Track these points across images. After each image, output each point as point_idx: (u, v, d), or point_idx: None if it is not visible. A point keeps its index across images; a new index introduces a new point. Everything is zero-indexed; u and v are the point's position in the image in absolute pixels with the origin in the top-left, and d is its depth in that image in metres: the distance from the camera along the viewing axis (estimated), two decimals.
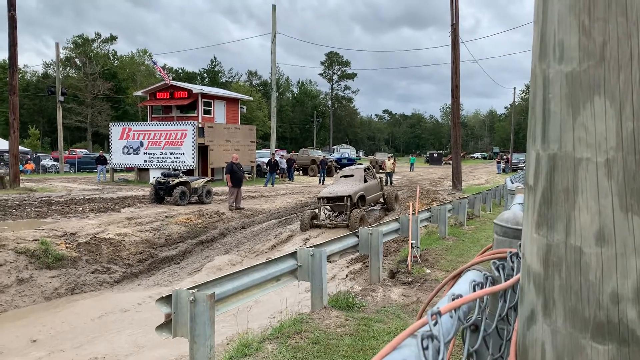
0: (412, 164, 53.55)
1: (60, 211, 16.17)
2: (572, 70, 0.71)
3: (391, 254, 11.33)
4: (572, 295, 0.72)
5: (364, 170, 17.14)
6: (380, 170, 35.40)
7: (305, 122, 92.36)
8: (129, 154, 29.59)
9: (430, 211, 11.59)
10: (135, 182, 29.13)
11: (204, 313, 4.28)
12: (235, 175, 17.34)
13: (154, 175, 23.33)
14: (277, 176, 30.03)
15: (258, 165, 33.80)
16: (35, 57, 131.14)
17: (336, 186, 16.13)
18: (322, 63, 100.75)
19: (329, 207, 15.98)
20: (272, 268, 5.63)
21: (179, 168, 26.33)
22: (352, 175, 16.76)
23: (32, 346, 7.85)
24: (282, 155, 38.21)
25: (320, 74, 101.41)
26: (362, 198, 15.83)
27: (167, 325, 4.49)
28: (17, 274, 10.52)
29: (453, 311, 0.70)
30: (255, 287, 5.20)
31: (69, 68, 68.56)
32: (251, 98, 45.52)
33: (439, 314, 0.63)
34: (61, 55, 51.77)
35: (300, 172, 38.93)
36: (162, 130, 28.84)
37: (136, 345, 7.50)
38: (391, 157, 35.18)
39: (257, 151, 35.46)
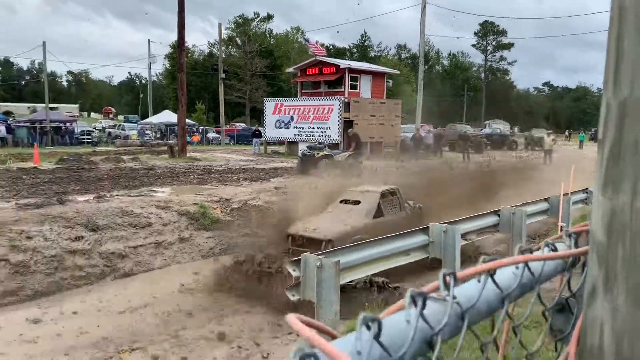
0: (581, 141, 49.76)
1: (218, 179, 17.64)
2: None
3: (541, 236, 10.60)
4: (637, 270, 0.59)
5: (383, 195, 9.99)
6: (537, 148, 32.96)
7: (456, 96, 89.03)
8: (281, 127, 31.15)
9: (587, 192, 10.56)
10: (285, 155, 30.66)
11: (330, 279, 4.41)
12: None
13: (301, 148, 24.35)
14: (421, 151, 29.51)
15: (402, 141, 33.47)
16: (202, 37, 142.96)
17: (322, 219, 9.63)
18: (475, 34, 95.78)
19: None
20: (401, 242, 5.58)
21: (325, 142, 27.11)
22: (357, 202, 10.03)
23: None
24: (429, 131, 37.35)
25: (473, 45, 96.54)
26: None
27: (296, 287, 4.71)
28: (179, 233, 11.77)
29: (483, 276, 0.62)
30: (383, 259, 5.21)
31: (230, 47, 73.77)
32: (398, 72, 44.97)
33: (453, 275, 0.56)
34: (224, 35, 55.97)
35: (447, 148, 37.78)
36: (311, 105, 29.83)
37: None
38: (550, 133, 32.56)
39: (402, 126, 35.09)
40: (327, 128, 28.98)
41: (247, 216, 13.37)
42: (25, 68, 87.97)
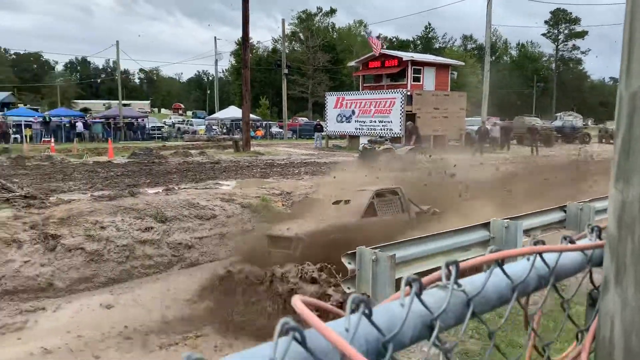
0: None
1: (280, 172, 17.96)
2: None
3: None
4: None
5: (379, 195, 9.30)
6: (612, 142, 31.16)
7: (524, 87, 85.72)
8: (342, 122, 31.21)
9: None
10: (346, 149, 30.72)
11: (385, 273, 4.42)
12: None
13: (362, 142, 24.32)
14: (487, 145, 28.69)
15: (467, 134, 32.66)
16: (267, 33, 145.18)
17: (305, 219, 9.38)
18: (546, 22, 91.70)
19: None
20: (461, 237, 5.50)
21: (387, 135, 26.92)
22: (348, 202, 9.56)
23: None
24: (495, 123, 36.22)
25: (544, 34, 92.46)
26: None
27: (352, 280, 4.76)
28: (242, 225, 12.10)
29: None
30: (440, 254, 5.16)
31: (293, 42, 74.55)
32: (463, 63, 43.86)
33: (456, 264, 0.59)
34: (287, 31, 56.64)
35: (515, 141, 36.50)
36: (372, 99, 29.69)
37: None
38: None
39: (467, 119, 34.24)
40: (389, 122, 28.75)
41: (309, 208, 13.54)
42: (100, 67, 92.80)
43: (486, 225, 5.93)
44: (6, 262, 8.78)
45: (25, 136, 32.90)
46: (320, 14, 79.51)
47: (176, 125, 48.89)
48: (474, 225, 5.93)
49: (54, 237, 9.30)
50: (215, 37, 67.94)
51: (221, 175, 16.92)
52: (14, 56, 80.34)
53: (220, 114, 52.20)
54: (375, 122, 29.47)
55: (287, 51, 54.05)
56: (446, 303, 0.58)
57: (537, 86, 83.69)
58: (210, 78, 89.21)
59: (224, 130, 45.28)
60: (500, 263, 0.65)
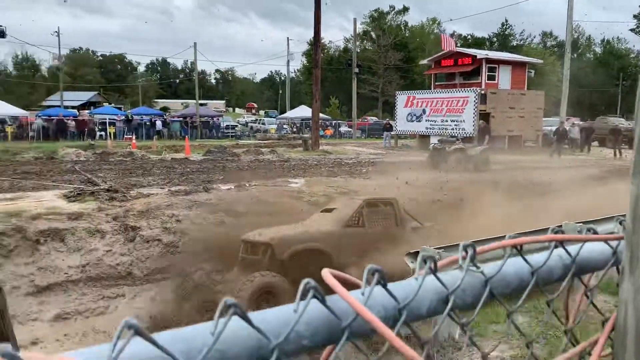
0: None
1: (348, 171, 18.07)
2: None
3: None
4: None
5: (370, 205, 8.83)
6: None
7: (609, 85, 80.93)
8: (412, 121, 30.86)
9: None
10: (416, 149, 30.37)
11: None
12: None
13: (432, 142, 23.97)
14: (565, 146, 27.40)
15: (544, 134, 31.33)
16: (339, 33, 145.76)
17: (283, 226, 8.66)
18: (635, 16, 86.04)
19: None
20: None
21: (458, 135, 26.35)
22: (333, 209, 9.06)
23: None
24: (574, 124, 34.51)
25: (632, 30, 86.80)
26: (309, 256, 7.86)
27: None
28: None
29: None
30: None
31: (365, 41, 74.44)
32: (541, 61, 42.11)
33: (472, 246, 0.65)
34: (359, 30, 56.73)
35: (597, 142, 34.61)
36: (444, 98, 29.15)
37: None
38: None
39: (545, 119, 32.84)
40: (461, 121, 28.12)
41: None
42: (179, 67, 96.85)
43: (611, 219, 5.72)
44: (90, 250, 9.47)
45: (109, 133, 35.00)
46: (393, 12, 78.88)
47: (249, 124, 50.27)
48: (545, 228, 5.75)
49: (134, 229, 9.91)
50: (287, 38, 69.17)
51: (290, 173, 17.27)
52: (101, 58, 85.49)
53: (290, 113, 53.12)
54: (446, 121, 28.92)
55: (358, 50, 54.11)
56: (460, 280, 0.65)
57: (622, 85, 78.76)
58: (282, 78, 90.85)
59: (294, 129, 46.04)
60: (519, 249, 0.71)
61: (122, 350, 0.40)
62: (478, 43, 77.97)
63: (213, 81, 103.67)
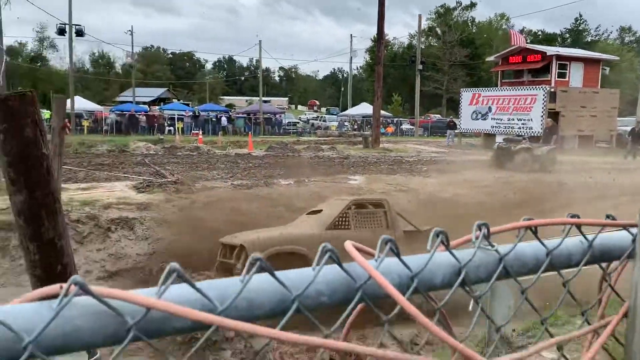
0: None
1: (408, 169, 17.93)
2: None
3: None
4: None
5: (358, 206, 8.44)
6: None
7: None
8: (477, 119, 30.16)
9: None
10: (480, 148, 29.65)
11: None
12: None
13: (497, 141, 23.35)
14: None
15: (619, 134, 29.74)
16: (404, 29, 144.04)
17: (263, 229, 8.45)
18: None
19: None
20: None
21: (525, 134, 25.51)
22: (319, 211, 8.64)
23: None
24: None
25: None
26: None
27: None
28: None
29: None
30: None
31: (430, 38, 73.25)
32: (617, 58, 39.93)
33: (486, 225, 0.70)
34: (424, 26, 55.93)
35: None
36: (511, 96, 28.30)
37: None
38: None
39: (621, 119, 31.18)
40: (528, 120, 27.23)
41: (433, 207, 13.41)
42: (245, 65, 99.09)
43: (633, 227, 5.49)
44: (156, 240, 9.95)
45: (178, 128, 36.37)
46: (460, 8, 77.12)
47: (310, 121, 50.72)
48: (620, 221, 5.52)
49: (198, 220, 10.30)
50: (351, 35, 69.20)
51: (349, 170, 17.34)
52: (171, 55, 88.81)
53: (352, 111, 53.14)
54: (513, 119, 28.08)
55: (422, 47, 53.37)
56: (472, 255, 0.70)
57: None
58: (345, 75, 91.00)
59: (355, 127, 46.04)
60: (534, 230, 0.75)
61: (166, 291, 0.50)
62: (549, 39, 74.85)
63: (277, 78, 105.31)
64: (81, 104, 39.74)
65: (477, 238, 0.71)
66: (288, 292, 0.57)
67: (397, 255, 0.64)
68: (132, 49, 57.54)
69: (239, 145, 26.31)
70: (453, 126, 32.53)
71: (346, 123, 47.72)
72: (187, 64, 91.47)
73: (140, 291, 0.51)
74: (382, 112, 34.37)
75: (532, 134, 25.93)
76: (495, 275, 0.73)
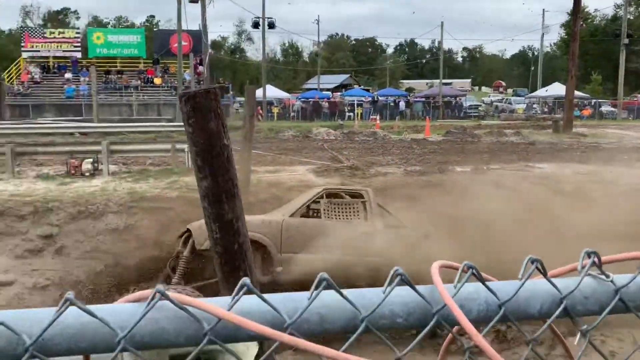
0: None
1: (604, 158, 16.02)
2: None
3: None
4: None
5: (333, 195, 7.93)
6: None
7: None
8: None
9: None
10: None
11: None
12: None
13: None
14: None
15: None
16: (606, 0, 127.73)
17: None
18: None
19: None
20: None
21: None
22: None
23: None
24: None
25: None
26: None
27: None
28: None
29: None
30: None
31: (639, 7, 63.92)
32: None
33: (595, 253, 0.62)
34: None
35: None
36: None
37: None
38: None
39: None
40: None
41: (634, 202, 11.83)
42: (426, 47, 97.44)
43: None
44: None
45: (357, 114, 37.42)
46: None
47: (494, 103, 48.15)
48: None
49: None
50: (543, 10, 63.59)
51: (535, 157, 16.13)
52: (354, 42, 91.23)
53: (542, 92, 49.05)
54: None
55: (630, 17, 46.84)
56: (576, 285, 0.63)
57: None
58: (536, 53, 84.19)
59: (545, 109, 42.49)
60: None
61: (236, 303, 0.55)
62: None
63: (460, 59, 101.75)
64: (272, 92, 43.12)
65: (583, 267, 0.64)
66: (357, 312, 0.58)
67: (481, 281, 0.61)
68: (318, 38, 60.49)
69: (415, 130, 26.11)
70: None
71: (535, 105, 44.27)
72: (369, 49, 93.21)
73: (217, 300, 0.57)
74: (578, 92, 31.13)
75: None
76: (609, 309, 0.65)
